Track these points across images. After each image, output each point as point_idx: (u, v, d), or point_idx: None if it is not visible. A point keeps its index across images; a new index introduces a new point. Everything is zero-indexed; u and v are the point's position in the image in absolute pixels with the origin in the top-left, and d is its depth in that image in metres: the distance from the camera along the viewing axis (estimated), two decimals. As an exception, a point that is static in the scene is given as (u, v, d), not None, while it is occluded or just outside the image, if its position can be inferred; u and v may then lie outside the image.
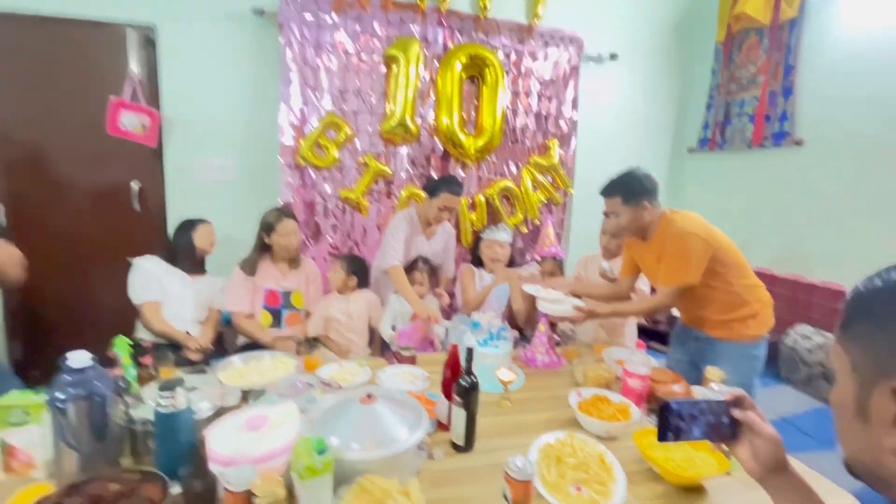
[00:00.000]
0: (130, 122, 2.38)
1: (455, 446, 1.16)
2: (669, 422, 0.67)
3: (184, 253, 2.04)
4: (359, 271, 2.18)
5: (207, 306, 2.10)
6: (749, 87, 2.91)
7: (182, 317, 1.99)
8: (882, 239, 2.23)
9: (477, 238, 2.45)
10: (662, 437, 0.67)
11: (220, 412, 1.14)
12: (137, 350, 1.33)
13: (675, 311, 1.85)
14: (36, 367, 2.35)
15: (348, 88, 2.58)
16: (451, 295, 2.54)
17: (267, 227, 2.04)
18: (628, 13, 3.19)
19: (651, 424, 1.25)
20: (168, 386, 0.96)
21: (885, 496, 0.46)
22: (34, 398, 1.04)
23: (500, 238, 2.28)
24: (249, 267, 2.05)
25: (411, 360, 1.66)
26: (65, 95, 2.38)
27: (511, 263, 2.38)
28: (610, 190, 1.67)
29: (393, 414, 1.03)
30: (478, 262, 2.39)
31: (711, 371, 1.29)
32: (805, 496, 0.65)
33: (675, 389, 1.35)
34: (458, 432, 1.15)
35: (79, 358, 0.96)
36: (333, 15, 2.50)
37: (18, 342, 2.54)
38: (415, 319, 2.03)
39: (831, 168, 2.45)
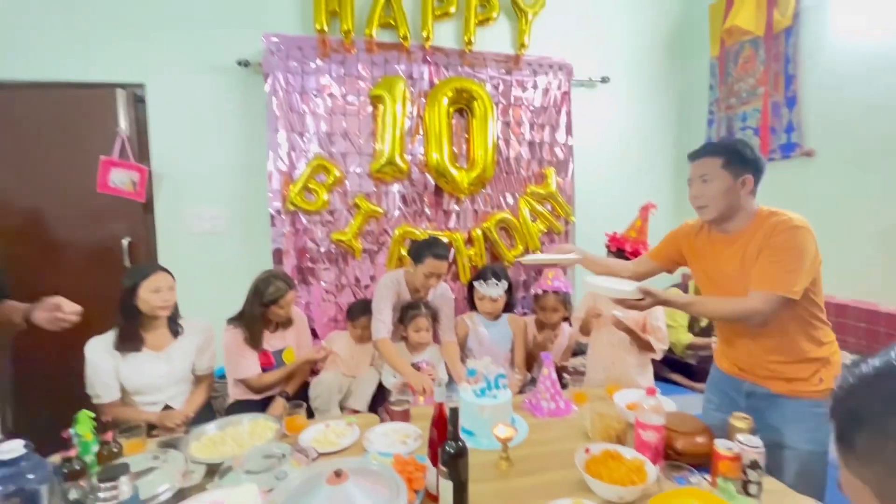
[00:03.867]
0: (120, 179, 2.37)
1: (444, 523, 1.01)
2: None
3: (130, 325, 1.70)
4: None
5: (190, 373, 1.84)
6: (749, 99, 2.82)
7: (156, 397, 1.75)
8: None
9: (471, 283, 2.33)
10: None
11: (180, 494, 1.02)
12: (100, 425, 1.23)
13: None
14: (34, 432, 2.26)
15: (335, 131, 2.56)
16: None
17: (269, 301, 1.94)
18: (617, 35, 3.16)
19: (673, 484, 1.09)
20: (108, 475, 0.85)
21: None
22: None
23: (491, 294, 2.16)
24: (254, 341, 1.96)
25: (404, 416, 1.52)
26: (56, 158, 2.39)
27: (508, 307, 2.26)
28: (708, 149, 1.34)
29: (365, 494, 0.89)
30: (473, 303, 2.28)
31: (737, 419, 1.12)
32: None
33: (699, 441, 1.18)
34: (446, 507, 1.00)
35: (11, 447, 0.86)
36: (318, 60, 2.51)
37: (10, 410, 2.47)
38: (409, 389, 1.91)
39: (844, 177, 2.30)
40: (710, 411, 1.49)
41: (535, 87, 2.88)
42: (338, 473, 0.92)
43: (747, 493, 1.03)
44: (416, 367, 2.06)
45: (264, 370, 1.98)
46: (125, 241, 2.47)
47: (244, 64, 2.48)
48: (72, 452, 1.09)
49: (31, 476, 0.85)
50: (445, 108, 2.62)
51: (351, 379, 2.16)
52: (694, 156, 1.37)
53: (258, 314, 1.95)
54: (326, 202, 2.53)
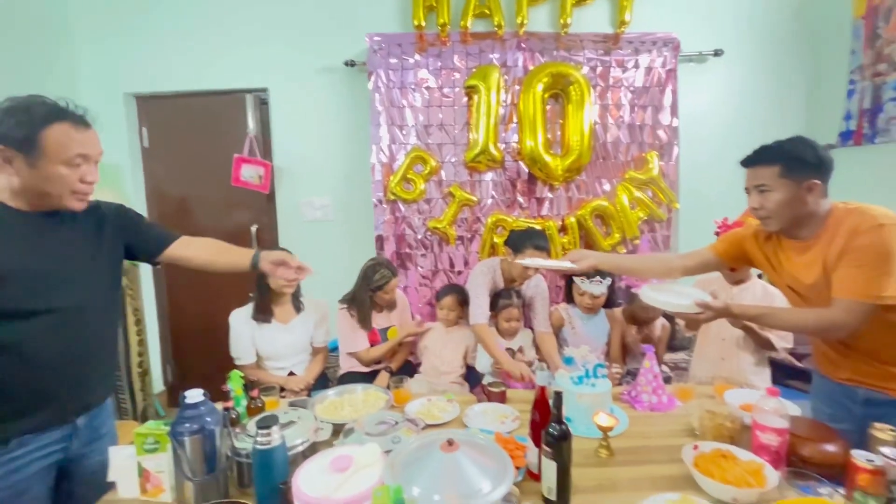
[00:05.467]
0: (249, 174, 2.72)
1: (546, 501, 1.05)
2: None
3: (263, 300, 2.00)
4: (465, 303, 2.20)
5: (309, 345, 2.12)
6: (905, 64, 2.39)
7: (283, 364, 2.06)
8: None
9: (570, 278, 2.27)
10: None
11: (313, 447, 1.19)
12: (248, 383, 1.47)
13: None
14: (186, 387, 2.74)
15: (432, 122, 2.67)
16: None
17: (376, 287, 2.12)
18: (732, 1, 2.85)
19: (797, 493, 1.02)
20: (265, 423, 1.02)
21: None
22: (163, 428, 1.18)
23: (593, 291, 2.08)
24: (363, 321, 2.14)
25: (501, 397, 1.58)
26: (200, 156, 2.83)
27: (608, 303, 2.18)
28: (763, 156, 1.22)
29: (475, 464, 0.97)
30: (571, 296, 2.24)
31: (881, 430, 1.01)
32: None
33: (829, 450, 1.08)
34: (548, 486, 1.04)
35: (193, 395, 1.07)
36: (416, 55, 2.62)
37: (171, 367, 3.00)
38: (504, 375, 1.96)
39: None
40: (822, 420, 1.33)
41: (636, 66, 2.72)
42: (450, 442, 1.01)
43: (891, 512, 0.93)
44: (511, 353, 2.11)
45: (372, 346, 2.17)
46: (254, 228, 2.84)
47: (350, 64, 2.67)
48: (229, 404, 1.33)
49: (208, 419, 1.06)
50: (540, 94, 2.59)
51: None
52: (747, 162, 1.25)
53: (366, 297, 2.14)
54: (423, 191, 2.66)
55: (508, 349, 2.11)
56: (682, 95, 2.78)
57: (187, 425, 1.03)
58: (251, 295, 2.05)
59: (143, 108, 2.84)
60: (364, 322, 2.14)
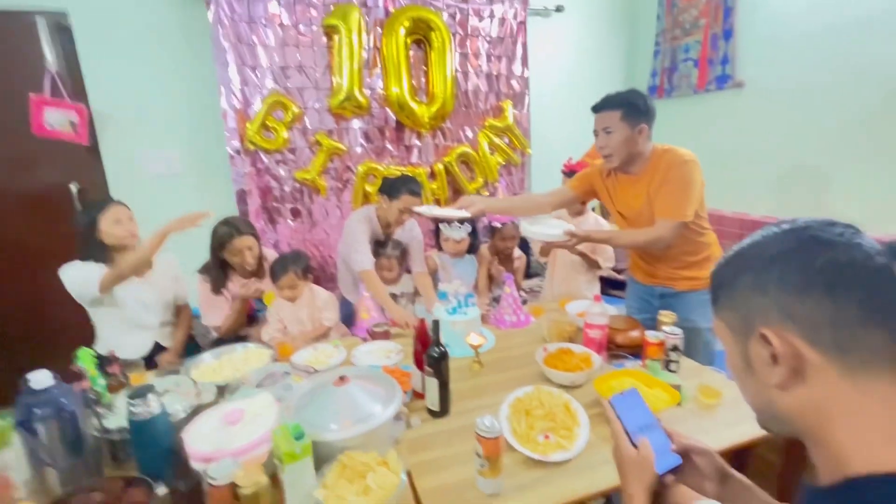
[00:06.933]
0: (57, 120, 2.21)
1: (431, 412, 1.22)
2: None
3: (97, 250, 1.71)
4: (307, 270, 1.95)
5: (173, 302, 1.93)
6: (692, 31, 2.95)
7: (146, 325, 1.82)
8: (813, 171, 2.38)
9: (437, 226, 2.40)
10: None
11: (196, 410, 1.15)
12: (103, 360, 1.32)
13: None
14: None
15: (290, 64, 2.47)
16: None
17: (218, 245, 1.90)
18: (571, -39, 3.13)
19: (612, 369, 1.35)
20: (138, 394, 0.96)
21: (796, 436, 0.51)
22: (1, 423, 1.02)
23: (454, 236, 2.25)
24: (215, 286, 1.94)
25: (385, 336, 1.70)
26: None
27: (472, 248, 2.38)
28: (609, 102, 1.51)
29: (366, 392, 1.07)
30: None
31: (665, 315, 1.39)
32: (753, 492, 0.69)
33: (633, 335, 1.45)
34: (432, 400, 1.21)
35: (40, 378, 0.94)
36: (263, -15, 2.35)
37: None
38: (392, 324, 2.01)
39: (770, 109, 2.56)
40: (632, 314, 1.79)
41: (491, 16, 2.85)
42: (342, 378, 1.09)
43: (669, 370, 1.31)
44: (394, 297, 2.20)
45: (253, 315, 2.03)
46: (73, 187, 2.36)
47: (181, -12, 2.28)
48: (85, 384, 1.19)
49: (63, 400, 0.95)
50: (403, 38, 2.57)
51: None
52: (596, 108, 1.55)
53: (217, 262, 1.95)
54: (287, 140, 2.50)
55: (392, 295, 2.22)
56: (531, 47, 3.02)
57: (37, 411, 0.92)
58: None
59: None
60: (216, 290, 1.95)
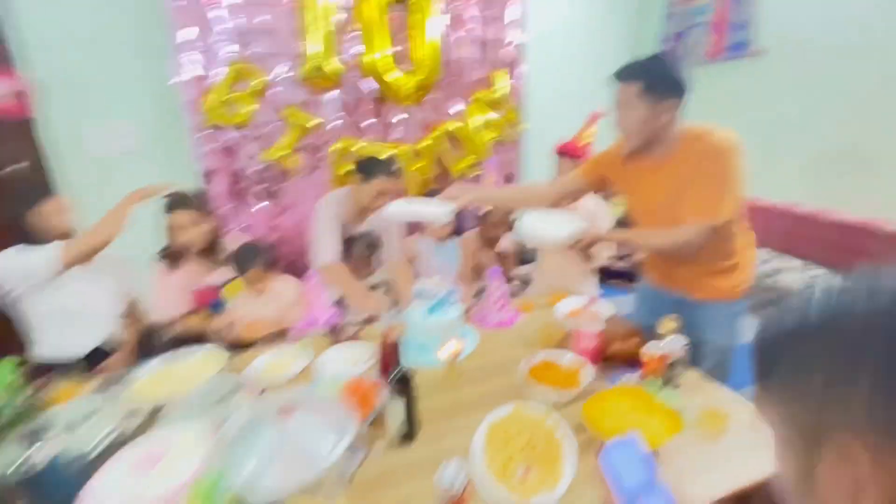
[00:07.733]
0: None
1: (395, 439, 1.07)
2: None
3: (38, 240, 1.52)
4: (273, 262, 1.84)
5: (119, 294, 1.75)
6: (705, -10, 2.67)
7: (90, 314, 1.65)
8: (850, 153, 2.15)
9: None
10: None
11: (120, 439, 1.00)
12: (37, 369, 1.15)
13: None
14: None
15: (254, 27, 2.20)
16: None
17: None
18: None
19: (606, 384, 1.19)
20: (32, 437, 0.79)
21: None
22: None
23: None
24: (170, 261, 1.76)
25: (354, 338, 1.53)
26: None
27: (458, 230, 2.19)
28: (628, 73, 1.22)
29: (313, 426, 0.91)
30: None
31: (665, 324, 1.20)
32: None
33: (631, 345, 1.28)
34: (396, 424, 1.05)
35: None
36: (221, -66, 2.06)
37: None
38: None
39: (794, 79, 2.31)
40: (637, 319, 1.53)
41: (483, -28, 2.55)
42: (286, 408, 0.92)
43: (671, 387, 1.14)
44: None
45: (210, 305, 1.86)
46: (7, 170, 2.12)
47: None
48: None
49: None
50: (381, -2, 2.29)
51: None
52: (616, 75, 1.25)
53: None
54: (251, 114, 2.25)
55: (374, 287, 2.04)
56: (529, 11, 2.72)
57: None
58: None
59: None
60: (173, 263, 1.76)
